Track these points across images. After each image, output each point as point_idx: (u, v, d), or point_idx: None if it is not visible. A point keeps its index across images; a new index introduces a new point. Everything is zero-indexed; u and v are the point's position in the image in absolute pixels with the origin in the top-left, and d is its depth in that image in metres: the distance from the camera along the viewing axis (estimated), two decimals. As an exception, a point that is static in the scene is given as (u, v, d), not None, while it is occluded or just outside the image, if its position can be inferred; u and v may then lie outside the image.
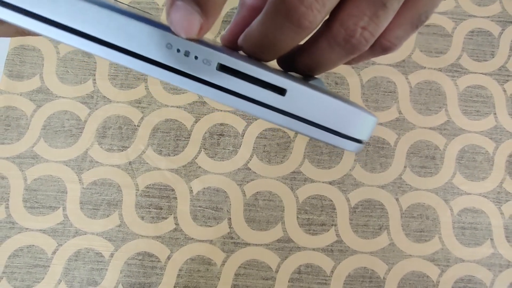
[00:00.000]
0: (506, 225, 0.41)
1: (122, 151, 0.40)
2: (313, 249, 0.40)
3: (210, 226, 0.40)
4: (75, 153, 0.40)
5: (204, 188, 0.40)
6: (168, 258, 0.39)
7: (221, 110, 0.42)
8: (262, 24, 0.14)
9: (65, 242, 0.38)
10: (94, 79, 0.42)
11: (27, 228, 0.38)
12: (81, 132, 0.41)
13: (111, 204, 0.39)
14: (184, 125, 0.41)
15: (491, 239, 0.41)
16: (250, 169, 0.41)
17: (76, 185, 0.39)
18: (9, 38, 0.42)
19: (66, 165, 0.40)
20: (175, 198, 0.40)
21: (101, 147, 0.40)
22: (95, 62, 0.42)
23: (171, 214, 0.40)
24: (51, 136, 0.40)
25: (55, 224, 0.39)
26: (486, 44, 0.44)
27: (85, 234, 0.39)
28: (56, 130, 0.41)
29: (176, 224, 0.39)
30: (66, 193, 0.39)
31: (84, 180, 0.40)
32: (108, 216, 0.39)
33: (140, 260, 0.38)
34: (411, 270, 0.40)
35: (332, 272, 0.39)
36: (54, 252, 0.38)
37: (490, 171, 0.42)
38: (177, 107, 0.42)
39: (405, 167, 0.42)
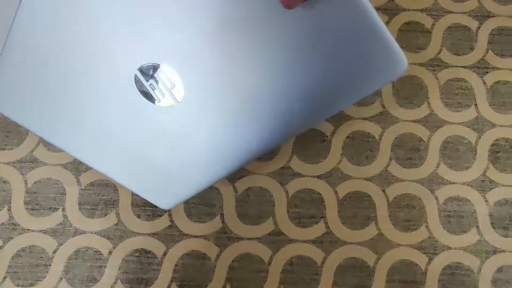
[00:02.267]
0: (491, 212, 0.41)
1: (117, 153, 0.41)
2: (304, 241, 0.39)
3: (204, 222, 0.40)
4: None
5: (197, 185, 0.40)
6: (164, 254, 0.39)
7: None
8: None
9: (65, 241, 0.39)
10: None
11: (29, 229, 0.39)
12: (78, 136, 0.41)
13: (108, 204, 0.40)
14: (176, 126, 0.42)
15: (477, 226, 0.40)
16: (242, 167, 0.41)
17: (74, 186, 0.40)
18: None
19: (65, 168, 0.40)
20: (170, 196, 0.40)
21: (98, 149, 0.41)
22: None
23: (165, 212, 0.40)
24: (50, 140, 0.41)
25: (55, 225, 0.39)
26: (465, 39, 0.44)
27: (84, 233, 0.39)
28: (55, 135, 0.41)
29: (171, 221, 0.39)
30: (65, 194, 0.40)
31: (82, 181, 0.40)
32: (105, 215, 0.39)
33: (137, 256, 0.39)
34: (399, 258, 0.40)
35: (322, 263, 0.39)
36: (54, 251, 0.38)
37: (473, 161, 0.42)
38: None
39: (390, 159, 0.42)
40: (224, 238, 0.39)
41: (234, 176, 0.41)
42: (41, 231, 0.39)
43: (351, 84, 0.28)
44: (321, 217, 0.40)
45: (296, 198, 0.40)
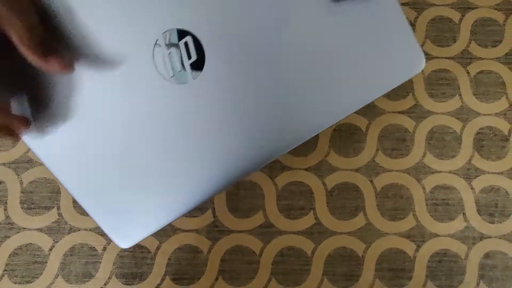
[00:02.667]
0: (477, 199, 0.41)
1: (110, 151, 0.41)
2: (294, 233, 0.40)
3: (196, 217, 0.40)
4: (66, 155, 0.41)
5: (188, 181, 0.41)
6: (158, 248, 0.39)
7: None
8: None
9: (61, 239, 0.39)
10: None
11: (25, 228, 0.40)
12: (71, 136, 0.42)
13: (102, 201, 0.40)
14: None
15: (463, 214, 0.41)
16: (231, 161, 0.42)
17: (69, 185, 0.41)
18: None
19: (59, 168, 0.41)
20: (162, 192, 0.41)
21: (90, 148, 0.41)
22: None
23: (158, 207, 0.40)
24: (44, 141, 0.42)
25: (51, 223, 0.40)
26: (448, 30, 0.45)
27: (79, 231, 0.40)
28: (48, 136, 0.42)
29: (164, 216, 0.40)
30: (60, 193, 0.40)
31: (75, 180, 0.41)
32: (99, 212, 0.40)
33: (131, 252, 0.39)
34: (388, 247, 0.40)
35: (313, 253, 0.40)
36: (50, 249, 0.39)
37: (458, 149, 0.42)
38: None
39: (377, 150, 0.42)
40: (215, 231, 0.40)
41: (224, 171, 0.41)
42: (37, 229, 0.40)
43: (375, 80, 0.29)
44: (311, 209, 0.41)
45: (285, 191, 0.41)
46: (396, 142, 0.42)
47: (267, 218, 0.40)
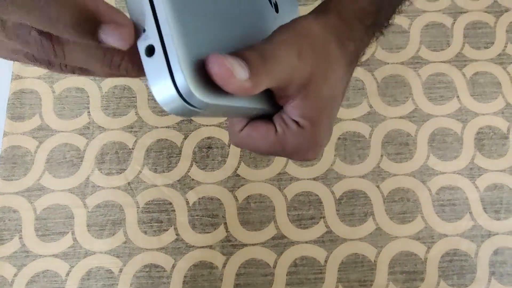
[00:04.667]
0: (482, 198, 0.41)
1: (120, 173, 0.41)
2: (306, 242, 0.40)
3: (209, 233, 0.40)
4: (78, 180, 0.41)
5: (199, 198, 0.41)
6: (173, 267, 0.39)
7: (207, 125, 0.43)
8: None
9: (77, 263, 0.39)
10: (89, 111, 0.43)
11: (41, 255, 0.39)
12: (82, 161, 0.41)
13: (116, 223, 0.40)
14: (175, 143, 0.42)
15: (470, 213, 0.41)
16: (240, 176, 0.41)
17: (82, 209, 0.40)
18: (8, 84, 0.44)
19: (71, 193, 0.41)
20: (174, 210, 0.40)
21: (101, 172, 0.41)
22: (88, 96, 0.43)
23: (171, 226, 0.40)
24: (55, 168, 0.41)
25: (66, 248, 0.39)
26: (441, 35, 0.45)
27: (94, 254, 0.39)
28: (59, 162, 0.41)
29: (177, 234, 0.40)
30: (73, 218, 0.40)
31: (88, 204, 0.40)
32: (113, 234, 0.40)
33: (147, 272, 0.39)
34: (399, 250, 0.40)
35: (325, 261, 0.39)
36: (67, 274, 0.39)
37: (460, 150, 0.42)
38: (167, 127, 0.43)
39: (381, 155, 0.42)
40: (229, 246, 0.39)
41: (234, 185, 0.41)
42: (52, 255, 0.39)
43: None
44: (321, 217, 0.40)
45: (295, 201, 0.41)
46: (400, 146, 0.42)
47: (278, 229, 0.40)
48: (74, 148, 0.42)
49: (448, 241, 0.40)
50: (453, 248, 0.40)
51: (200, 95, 0.13)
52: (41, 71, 0.43)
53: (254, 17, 0.19)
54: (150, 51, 0.13)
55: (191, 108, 0.13)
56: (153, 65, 0.13)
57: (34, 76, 0.43)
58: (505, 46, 0.45)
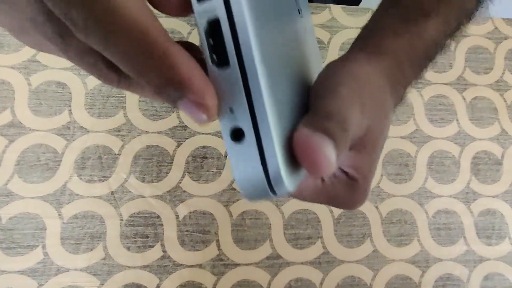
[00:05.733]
0: (476, 223, 0.41)
1: (103, 181, 0.37)
2: (302, 263, 0.37)
3: (199, 250, 0.36)
4: (53, 187, 0.36)
5: (190, 212, 0.37)
6: (158, 287, 0.35)
7: (203, 133, 0.39)
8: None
9: (46, 281, 0.34)
10: (70, 110, 0.38)
11: (4, 271, 0.34)
12: (59, 165, 0.36)
13: (94, 237, 0.35)
14: (166, 150, 0.38)
15: (464, 237, 0.40)
16: (235, 189, 0.38)
17: (56, 220, 0.35)
18: (-25, 72, 0.38)
19: (44, 201, 0.35)
20: (161, 225, 0.36)
21: (81, 179, 0.36)
22: (70, 93, 0.38)
23: (158, 242, 0.36)
24: (26, 171, 0.36)
25: (35, 264, 0.34)
26: (444, 57, 0.44)
27: (68, 271, 0.34)
28: (32, 165, 0.36)
29: (164, 251, 0.36)
30: (45, 229, 0.35)
31: (64, 214, 0.35)
32: (91, 249, 0.35)
33: (128, 292, 0.35)
34: (395, 274, 0.38)
35: (321, 284, 0.37)
36: (35, 294, 0.34)
37: (457, 174, 0.42)
38: (158, 133, 0.38)
39: (381, 175, 0.40)
40: (220, 265, 0.36)
41: (229, 199, 0.38)
42: (18, 272, 0.34)
43: None
44: (318, 237, 0.38)
45: (292, 219, 0.38)
46: (400, 167, 0.41)
47: (274, 249, 0.37)
48: (50, 150, 0.37)
49: (443, 265, 0.39)
50: (447, 273, 0.39)
51: (288, 185, 0.12)
52: (16, 59, 0.38)
53: (295, 36, 0.17)
54: (238, 135, 0.11)
55: (272, 195, 0.12)
56: (240, 151, 0.11)
57: (7, 65, 0.38)
58: (503, 73, 0.45)
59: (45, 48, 0.13)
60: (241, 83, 0.11)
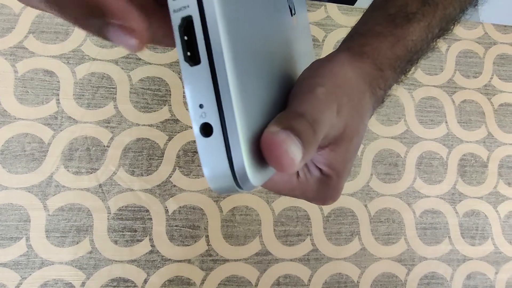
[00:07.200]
0: (460, 223, 0.41)
1: (91, 173, 0.35)
2: (291, 260, 0.37)
3: (188, 245, 0.36)
4: (38, 178, 0.34)
5: (180, 206, 0.36)
6: (145, 281, 0.34)
7: (194, 127, 0.38)
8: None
9: (30, 274, 0.33)
10: (58, 99, 0.36)
11: (-15, 264, 0.32)
12: (45, 156, 0.35)
13: (81, 230, 0.34)
14: (157, 143, 0.37)
15: (449, 237, 0.41)
16: (226, 185, 0.37)
17: (41, 212, 0.34)
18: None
19: (29, 192, 0.34)
20: (150, 219, 0.35)
21: (68, 170, 0.35)
22: (58, 82, 0.37)
23: (146, 236, 0.35)
24: (10, 161, 0.34)
25: (18, 256, 0.33)
26: (436, 60, 0.45)
27: (52, 264, 0.33)
28: (16, 155, 0.35)
29: (152, 245, 0.35)
30: (30, 221, 0.33)
31: (49, 206, 0.34)
32: (77, 243, 0.34)
33: (114, 286, 0.34)
34: (381, 272, 0.39)
35: (309, 280, 0.37)
36: (17, 287, 0.32)
37: (445, 175, 0.42)
38: (149, 126, 0.37)
39: (371, 174, 0.40)
40: (209, 261, 0.36)
41: (219, 195, 0.37)
42: (0, 264, 0.32)
43: None
44: (307, 235, 0.38)
45: (282, 216, 0.38)
46: (389, 167, 0.41)
47: (263, 245, 0.37)
48: (36, 140, 0.35)
49: (427, 264, 0.39)
50: (431, 271, 0.39)
51: (253, 181, 0.12)
52: (1, 45, 0.36)
53: (283, 33, 0.17)
54: (207, 130, 0.12)
55: (238, 189, 0.12)
56: (208, 145, 0.12)
57: (-7, 50, 0.36)
58: (491, 78, 0.45)
59: None
60: (211, 81, 0.11)
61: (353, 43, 0.18)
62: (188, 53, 0.11)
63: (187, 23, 0.11)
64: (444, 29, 0.20)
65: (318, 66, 0.16)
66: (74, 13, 0.10)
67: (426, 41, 0.19)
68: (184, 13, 0.11)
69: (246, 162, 0.12)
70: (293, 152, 0.12)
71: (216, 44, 0.11)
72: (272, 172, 0.14)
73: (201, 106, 0.11)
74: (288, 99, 0.15)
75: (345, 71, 0.16)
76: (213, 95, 0.11)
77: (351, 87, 0.16)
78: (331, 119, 0.15)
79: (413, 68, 0.20)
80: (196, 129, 0.12)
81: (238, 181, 0.12)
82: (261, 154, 0.12)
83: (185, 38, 0.11)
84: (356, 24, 0.20)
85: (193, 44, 0.11)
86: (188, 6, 0.11)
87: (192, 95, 0.12)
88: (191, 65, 0.11)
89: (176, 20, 0.11)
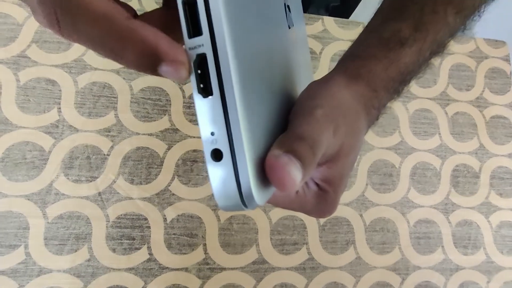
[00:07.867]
0: (453, 233, 0.42)
1: (90, 181, 0.36)
2: (287, 268, 0.37)
3: (185, 254, 0.36)
4: (38, 186, 0.35)
5: (178, 215, 0.36)
6: (142, 290, 0.34)
7: (194, 137, 0.39)
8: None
9: (28, 282, 0.33)
10: (59, 108, 0.37)
11: (-17, 271, 0.32)
12: (45, 164, 0.35)
13: (80, 238, 0.34)
14: (157, 152, 0.37)
15: (442, 246, 0.41)
16: (224, 194, 0.38)
17: (40, 220, 0.34)
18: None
19: (28, 199, 0.34)
20: (149, 227, 0.36)
21: (68, 178, 0.35)
22: (60, 90, 0.37)
23: (144, 244, 0.35)
24: (11, 169, 0.35)
25: (16, 264, 0.33)
26: (429, 73, 0.46)
27: (51, 272, 0.33)
28: (17, 163, 0.35)
29: (150, 254, 0.35)
30: (28, 229, 0.34)
31: (48, 214, 0.34)
32: (76, 250, 0.34)
33: (112, 295, 0.34)
34: (376, 281, 0.39)
35: (305, 289, 0.37)
36: (14, 295, 0.32)
37: (438, 185, 0.43)
38: (149, 135, 0.38)
39: (366, 184, 0.41)
40: (206, 269, 0.36)
41: (217, 204, 0.37)
42: (-2, 272, 0.32)
43: None
44: (304, 243, 0.38)
45: (279, 225, 0.38)
46: (384, 177, 0.42)
47: (260, 253, 0.37)
48: (37, 148, 0.35)
49: (421, 273, 0.40)
50: (425, 280, 0.40)
51: (258, 200, 0.13)
52: (4, 54, 0.37)
53: (282, 45, 0.18)
54: (217, 156, 0.13)
55: (244, 208, 0.13)
56: (218, 169, 0.13)
57: (-4, 59, 0.36)
58: (483, 91, 0.46)
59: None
60: (222, 111, 0.12)
61: (350, 64, 0.19)
62: (201, 85, 0.12)
63: (201, 59, 0.12)
64: (434, 52, 0.21)
65: (317, 87, 0.17)
66: (131, 61, 0.12)
67: (418, 63, 0.20)
68: (199, 51, 0.12)
69: (252, 185, 0.13)
70: (294, 173, 0.13)
71: (227, 79, 0.12)
72: (273, 190, 0.15)
73: (212, 133, 0.13)
74: (288, 119, 0.16)
75: (342, 93, 0.17)
76: (223, 124, 0.12)
77: (348, 108, 0.17)
78: (328, 139, 0.15)
79: (406, 88, 0.21)
80: (207, 154, 0.13)
81: (244, 200, 0.13)
82: (265, 175, 0.13)
83: (199, 72, 0.12)
84: (352, 45, 0.21)
85: (206, 78, 0.12)
86: (202, 45, 0.12)
87: (204, 123, 0.13)
88: (204, 97, 0.12)
89: (191, 56, 0.12)
